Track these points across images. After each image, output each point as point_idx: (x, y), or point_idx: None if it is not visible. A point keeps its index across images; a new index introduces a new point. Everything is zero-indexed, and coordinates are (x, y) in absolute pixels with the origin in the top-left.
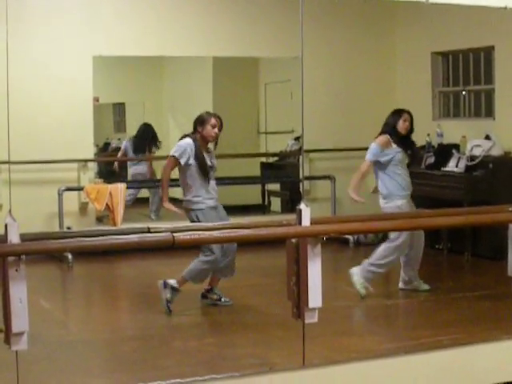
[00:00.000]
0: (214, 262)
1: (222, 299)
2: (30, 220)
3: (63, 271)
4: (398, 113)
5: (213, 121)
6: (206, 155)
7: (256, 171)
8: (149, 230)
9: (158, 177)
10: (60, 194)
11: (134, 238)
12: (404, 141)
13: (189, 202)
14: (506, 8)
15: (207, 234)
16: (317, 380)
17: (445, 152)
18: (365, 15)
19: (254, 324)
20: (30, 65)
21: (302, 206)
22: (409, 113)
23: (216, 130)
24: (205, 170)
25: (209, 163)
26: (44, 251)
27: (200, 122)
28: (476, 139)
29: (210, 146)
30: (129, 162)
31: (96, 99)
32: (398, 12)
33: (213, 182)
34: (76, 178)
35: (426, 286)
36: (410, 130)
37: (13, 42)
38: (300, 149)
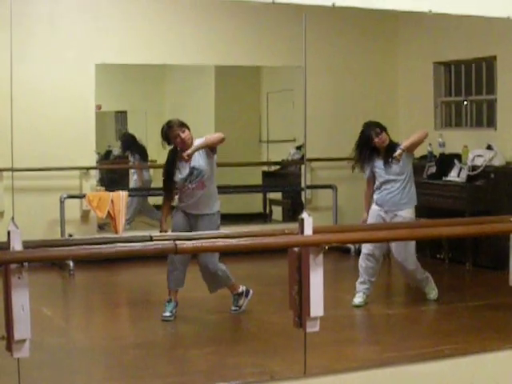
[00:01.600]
0: (171, 263)
1: (233, 308)
2: (32, 227)
3: (64, 279)
4: (363, 137)
5: (173, 132)
6: (183, 165)
7: (257, 180)
8: (151, 239)
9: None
10: (62, 202)
11: (137, 246)
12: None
13: None
14: (508, 18)
15: (209, 242)
16: None
17: (446, 162)
18: (367, 25)
19: (255, 333)
20: (33, 72)
21: (305, 215)
22: (377, 125)
23: (182, 135)
24: (169, 184)
25: (185, 172)
26: (47, 258)
27: (165, 137)
28: (478, 149)
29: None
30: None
31: (98, 107)
32: (400, 22)
33: (198, 192)
34: (78, 186)
35: (432, 296)
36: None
37: (15, 50)
38: (302, 158)
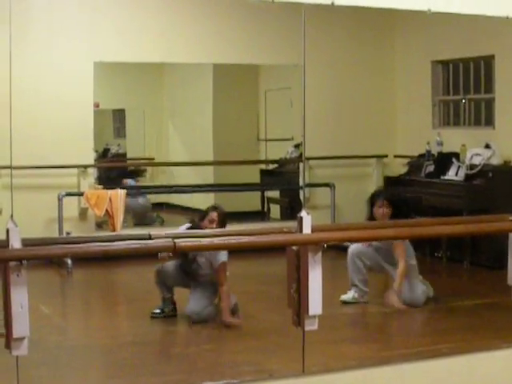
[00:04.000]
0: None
1: None
2: (30, 225)
3: (62, 277)
4: (372, 198)
5: (211, 215)
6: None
7: (256, 178)
8: (150, 237)
9: None
10: (60, 200)
11: (135, 244)
12: None
13: None
14: (507, 17)
15: (208, 240)
16: None
17: (444, 160)
18: (365, 24)
19: (253, 331)
20: (31, 70)
21: (303, 213)
22: (386, 197)
23: (213, 225)
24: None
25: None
26: (46, 256)
27: (204, 213)
28: (476, 148)
29: None
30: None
31: (96, 105)
32: (398, 20)
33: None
34: (76, 184)
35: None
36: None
37: (14, 48)
38: (300, 156)
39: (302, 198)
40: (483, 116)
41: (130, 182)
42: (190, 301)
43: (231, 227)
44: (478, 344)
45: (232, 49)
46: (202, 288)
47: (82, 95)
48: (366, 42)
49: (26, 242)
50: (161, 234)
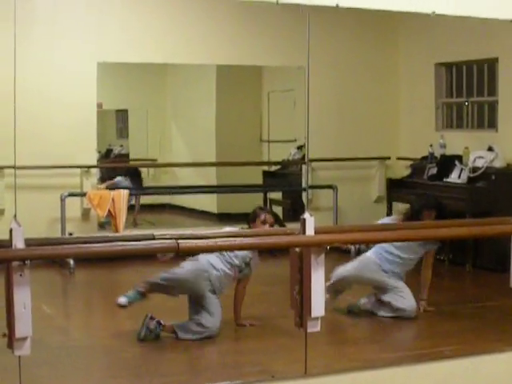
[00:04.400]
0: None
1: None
2: (32, 225)
3: (64, 277)
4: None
5: (262, 217)
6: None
7: (258, 179)
8: (153, 237)
9: None
10: (63, 200)
11: (138, 244)
12: None
13: None
14: (511, 21)
15: (212, 241)
16: None
17: (447, 163)
18: (369, 26)
19: (256, 332)
20: (35, 70)
21: (307, 215)
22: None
23: (266, 227)
24: None
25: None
26: (49, 256)
27: (253, 216)
28: (479, 150)
29: None
30: None
31: (99, 105)
32: (401, 22)
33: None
34: (79, 184)
35: None
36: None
37: (18, 48)
38: (302, 158)
39: (304, 199)
40: (486, 119)
41: (118, 179)
42: (215, 316)
43: (233, 228)
44: (481, 347)
45: (235, 50)
46: (218, 300)
47: (85, 95)
48: (369, 45)
49: (29, 242)
50: (164, 235)
